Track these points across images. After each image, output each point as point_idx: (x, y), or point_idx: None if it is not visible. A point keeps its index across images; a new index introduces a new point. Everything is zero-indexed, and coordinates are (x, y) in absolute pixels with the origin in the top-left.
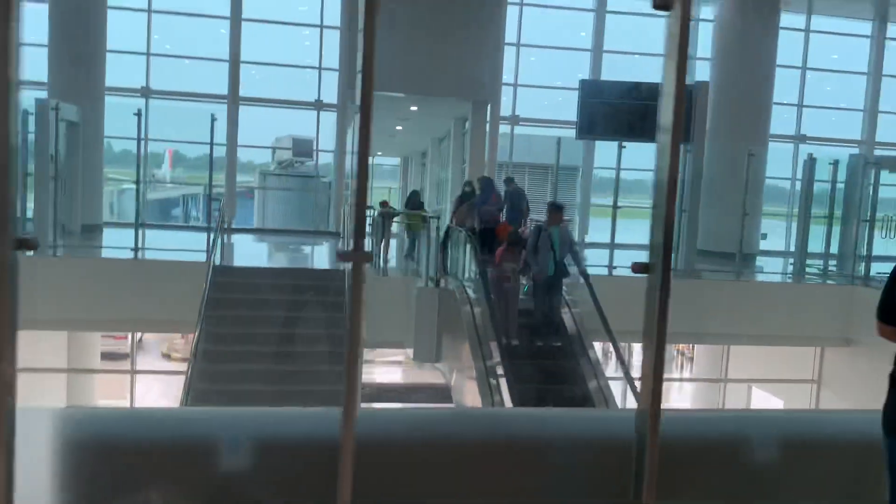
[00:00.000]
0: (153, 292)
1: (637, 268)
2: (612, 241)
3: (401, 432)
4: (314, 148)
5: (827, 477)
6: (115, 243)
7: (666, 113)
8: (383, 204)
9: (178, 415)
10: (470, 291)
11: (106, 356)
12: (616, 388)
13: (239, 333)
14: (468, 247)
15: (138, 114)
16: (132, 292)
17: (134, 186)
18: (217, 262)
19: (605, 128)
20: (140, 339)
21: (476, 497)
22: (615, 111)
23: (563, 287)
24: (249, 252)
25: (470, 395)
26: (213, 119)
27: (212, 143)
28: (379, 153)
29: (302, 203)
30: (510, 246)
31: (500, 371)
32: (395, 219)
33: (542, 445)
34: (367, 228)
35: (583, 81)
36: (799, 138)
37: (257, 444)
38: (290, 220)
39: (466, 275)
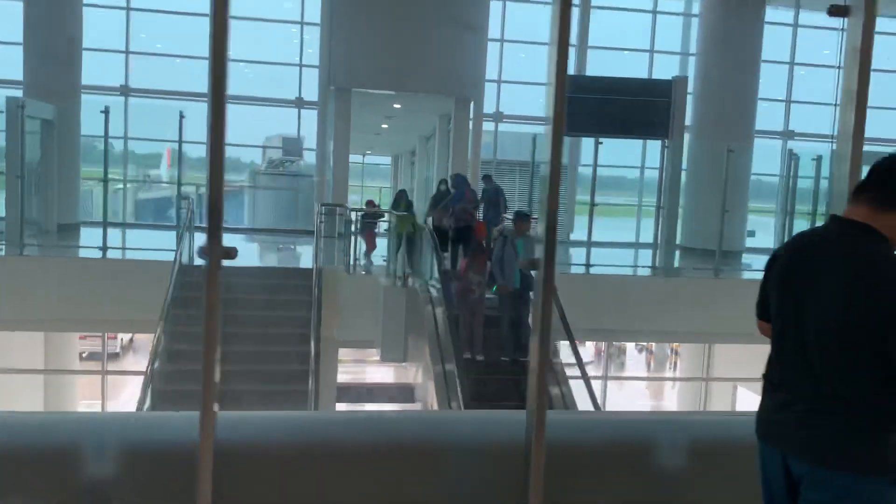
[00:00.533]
0: (124, 292)
1: (525, 265)
2: (589, 238)
3: (276, 437)
4: (304, 147)
5: (734, 481)
6: (96, 243)
7: (549, 103)
8: (369, 204)
9: (36, 420)
10: (433, 290)
11: (91, 356)
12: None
13: (197, 333)
14: (434, 246)
15: (105, 111)
16: (101, 292)
17: (130, 186)
18: (185, 260)
19: (583, 124)
20: (132, 340)
21: None
22: (593, 107)
23: (531, 299)
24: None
25: (430, 396)
26: (182, 117)
27: (180, 141)
28: (368, 152)
29: (292, 202)
30: (475, 256)
31: (458, 382)
32: (383, 219)
33: (432, 449)
34: (353, 228)
35: None
36: (786, 134)
37: (119, 450)
38: (280, 219)
39: (432, 274)
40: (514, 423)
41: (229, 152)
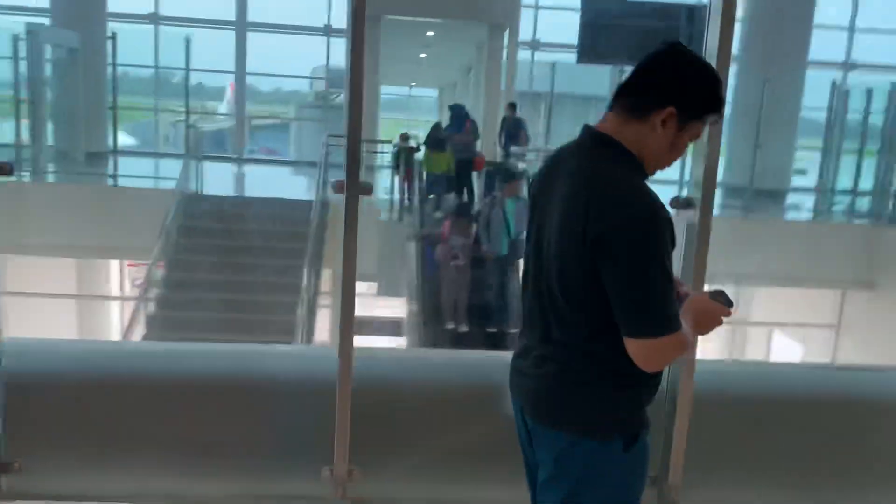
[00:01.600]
0: (140, 218)
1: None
2: None
3: (69, 367)
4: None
5: None
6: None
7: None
8: (403, 137)
9: None
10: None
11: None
12: None
13: (197, 261)
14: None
15: (112, 37)
16: (118, 219)
17: (187, 118)
18: (193, 189)
19: (608, 50)
20: None
21: (150, 444)
22: (618, 32)
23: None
24: (245, 182)
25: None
26: (188, 42)
27: (187, 69)
28: (413, 84)
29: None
30: (459, 218)
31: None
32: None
33: (242, 384)
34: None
35: (585, 0)
36: (847, 66)
37: None
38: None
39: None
40: (329, 360)
41: (277, 83)
